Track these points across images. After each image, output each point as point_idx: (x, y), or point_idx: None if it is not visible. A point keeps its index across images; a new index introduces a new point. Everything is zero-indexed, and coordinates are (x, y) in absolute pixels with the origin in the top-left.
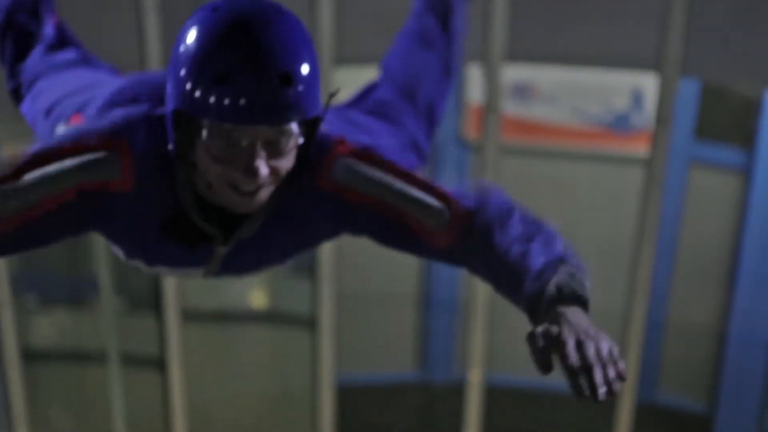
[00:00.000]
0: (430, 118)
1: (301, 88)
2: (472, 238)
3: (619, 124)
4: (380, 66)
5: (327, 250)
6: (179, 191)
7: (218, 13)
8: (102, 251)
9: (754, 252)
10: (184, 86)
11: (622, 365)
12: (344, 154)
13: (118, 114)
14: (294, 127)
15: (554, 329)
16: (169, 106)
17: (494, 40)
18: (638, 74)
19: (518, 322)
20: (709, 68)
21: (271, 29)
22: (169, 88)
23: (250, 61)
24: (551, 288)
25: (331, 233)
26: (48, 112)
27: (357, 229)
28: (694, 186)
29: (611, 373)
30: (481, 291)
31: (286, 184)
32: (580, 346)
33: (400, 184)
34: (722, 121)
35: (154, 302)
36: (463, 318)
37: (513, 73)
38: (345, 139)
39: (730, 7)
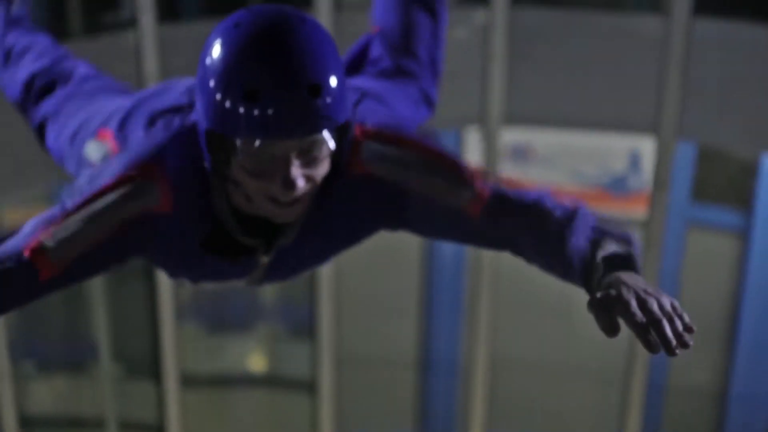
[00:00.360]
0: (434, 67)
1: (329, 98)
2: (507, 217)
3: (617, 187)
4: (372, 20)
5: (326, 314)
6: (217, 207)
7: (240, 29)
8: (100, 317)
9: (753, 313)
10: (214, 106)
11: (687, 318)
12: (368, 138)
13: (146, 140)
14: (326, 135)
15: (613, 292)
16: (202, 125)
17: (492, 103)
18: (635, 137)
19: (518, 383)
20: (705, 132)
21: (296, 40)
22: (199, 107)
23: (278, 76)
24: (602, 258)
25: (371, 226)
26: (73, 138)
27: (394, 214)
28: (692, 248)
29: (679, 326)
30: (481, 353)
31: (321, 186)
32: (643, 303)
33: (424, 160)
34: (719, 183)
35: (153, 368)
36: (463, 380)
37: (511, 136)
38: (364, 123)
39: (725, 72)
